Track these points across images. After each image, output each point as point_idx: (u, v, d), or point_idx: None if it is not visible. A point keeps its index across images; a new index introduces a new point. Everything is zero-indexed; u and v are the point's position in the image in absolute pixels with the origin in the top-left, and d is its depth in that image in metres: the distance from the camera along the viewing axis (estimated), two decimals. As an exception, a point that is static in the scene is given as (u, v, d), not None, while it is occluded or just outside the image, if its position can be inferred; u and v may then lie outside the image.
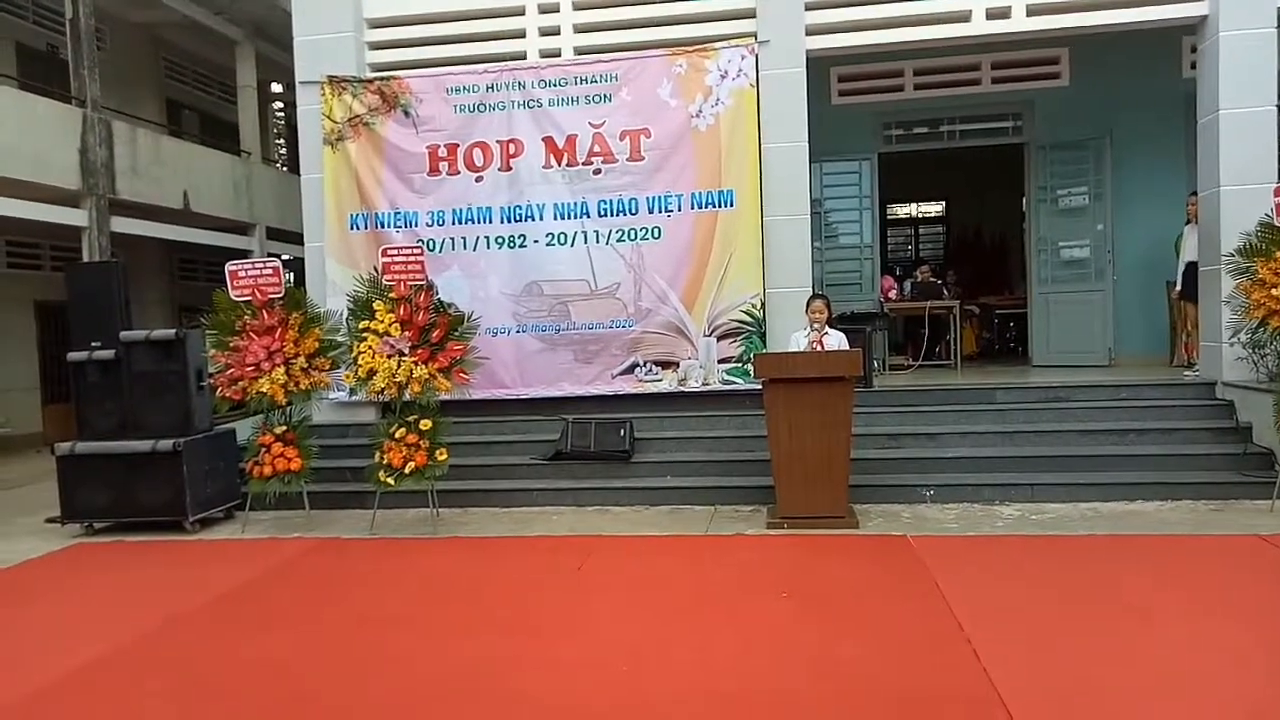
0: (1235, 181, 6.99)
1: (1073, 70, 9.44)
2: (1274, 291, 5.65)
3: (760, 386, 6.16)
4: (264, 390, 6.34)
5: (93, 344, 6.76)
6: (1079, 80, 9.45)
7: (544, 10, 8.03)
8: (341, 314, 6.81)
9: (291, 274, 11.72)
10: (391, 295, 6.30)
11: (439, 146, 7.91)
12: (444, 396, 6.42)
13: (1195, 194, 7.73)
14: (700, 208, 7.62)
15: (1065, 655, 3.62)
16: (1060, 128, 9.67)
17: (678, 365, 7.73)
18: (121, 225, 10.52)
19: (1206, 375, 7.35)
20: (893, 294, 10.56)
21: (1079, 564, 4.91)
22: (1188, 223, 8.22)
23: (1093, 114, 9.46)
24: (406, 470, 6.21)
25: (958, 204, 15.82)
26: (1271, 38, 7.00)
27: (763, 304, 7.56)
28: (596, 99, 7.73)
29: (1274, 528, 5.42)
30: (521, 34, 8.07)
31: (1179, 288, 8.28)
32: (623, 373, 7.81)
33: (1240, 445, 6.58)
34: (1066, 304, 9.60)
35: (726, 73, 7.52)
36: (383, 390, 6.24)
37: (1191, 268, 7.86)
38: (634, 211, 7.72)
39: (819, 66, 8.35)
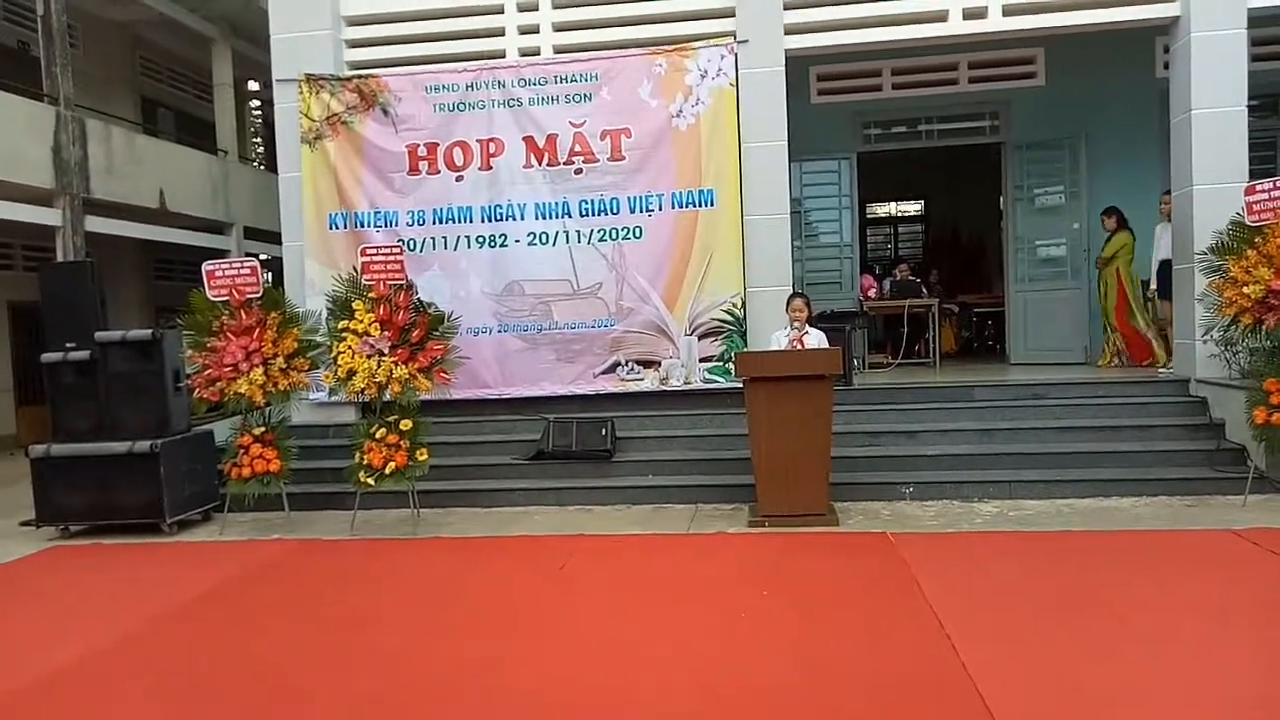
0: (1207, 180, 7.08)
1: (1048, 70, 9.53)
2: (1245, 289, 5.72)
3: (741, 385, 6.18)
4: (242, 391, 6.28)
5: (67, 345, 6.68)
6: (1054, 80, 9.55)
7: (523, 9, 8.01)
8: (321, 314, 6.77)
9: (270, 274, 11.58)
10: (371, 295, 6.28)
11: (419, 145, 7.87)
12: (424, 396, 6.40)
13: (1169, 193, 7.83)
14: (681, 207, 7.63)
15: (1042, 650, 3.67)
16: (1036, 127, 9.76)
17: (659, 364, 7.74)
18: (96, 225, 10.40)
19: (1180, 372, 7.45)
20: (872, 293, 10.62)
21: (1056, 560, 4.97)
22: (1164, 223, 8.35)
23: (1068, 113, 9.55)
24: (387, 471, 6.18)
25: (936, 203, 15.93)
26: (1242, 38, 7.10)
27: (743, 303, 7.58)
28: (577, 98, 7.72)
29: (1247, 522, 5.51)
30: (501, 32, 8.05)
31: (1154, 286, 8.39)
32: (604, 372, 7.81)
33: (1213, 441, 6.68)
34: (1043, 302, 9.69)
35: (706, 72, 7.54)
36: (362, 390, 6.21)
37: (1165, 266, 7.95)
38: (615, 211, 7.72)
39: (798, 66, 8.38)
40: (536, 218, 7.81)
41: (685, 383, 7.70)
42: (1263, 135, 9.14)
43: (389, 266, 6.34)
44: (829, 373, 5.93)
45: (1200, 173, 7.12)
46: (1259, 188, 5.92)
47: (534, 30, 8.00)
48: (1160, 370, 7.92)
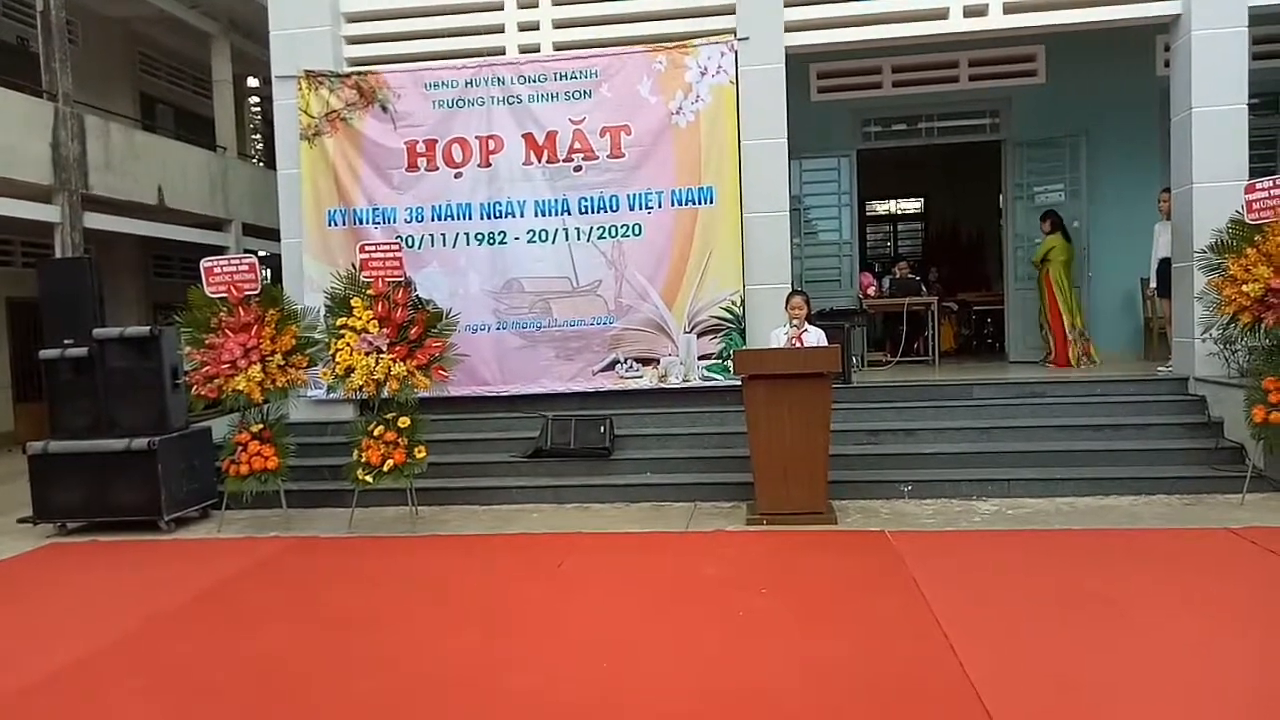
0: (1207, 178, 7.07)
1: (1049, 68, 9.53)
2: (1244, 288, 5.73)
3: (740, 383, 6.17)
4: (240, 388, 6.27)
5: (65, 341, 6.66)
6: (1055, 78, 9.54)
7: (523, 5, 7.99)
8: (319, 311, 6.76)
9: (268, 270, 11.56)
10: (369, 292, 6.27)
11: (417, 142, 7.86)
12: (423, 394, 6.38)
13: (1168, 190, 7.83)
14: (680, 204, 7.62)
15: (1041, 649, 3.66)
16: (1036, 125, 9.75)
17: (658, 362, 7.73)
18: (95, 221, 10.37)
19: (1179, 371, 7.45)
20: (871, 290, 10.61)
21: (1055, 559, 4.97)
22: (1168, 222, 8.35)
23: (1069, 111, 9.54)
24: (385, 468, 6.17)
25: (936, 201, 15.92)
26: (1243, 36, 7.09)
27: (742, 301, 7.57)
28: (576, 95, 7.71)
29: (1243, 521, 5.51)
30: (500, 29, 8.03)
31: (1153, 285, 8.39)
32: (603, 369, 7.80)
33: (1212, 440, 6.67)
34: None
35: (706, 69, 7.53)
36: (361, 388, 6.20)
37: (1165, 264, 7.95)
38: (615, 208, 7.71)
39: (798, 63, 8.37)
40: (535, 215, 7.80)
41: (684, 380, 7.70)
42: (1263, 133, 9.13)
43: (387, 263, 6.33)
44: (828, 371, 5.92)
45: (1200, 171, 7.11)
46: (1259, 186, 5.92)
47: (534, 27, 7.98)
48: (1159, 369, 7.91)
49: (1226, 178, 6.90)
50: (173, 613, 4.68)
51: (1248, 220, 5.92)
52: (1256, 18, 7.16)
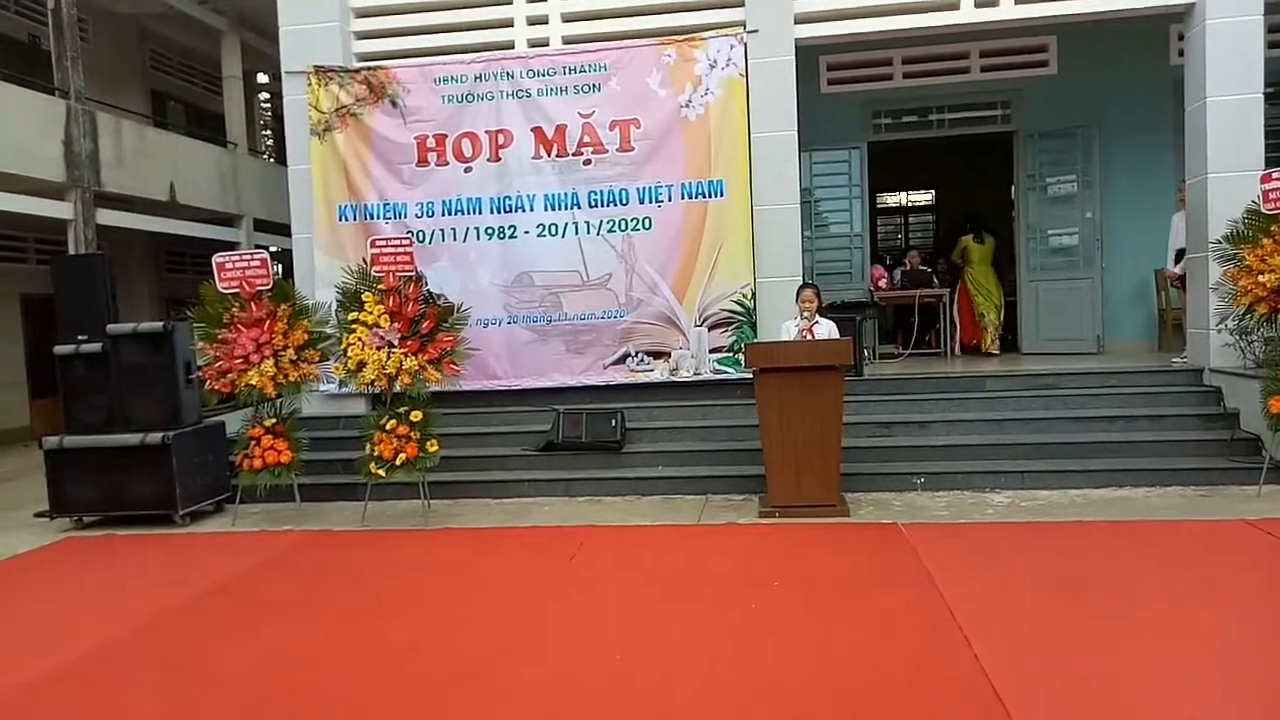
0: (1222, 168, 7.01)
1: (1061, 58, 9.46)
2: (1260, 278, 5.69)
3: (751, 376, 6.16)
4: (253, 383, 6.30)
5: (79, 337, 6.70)
6: (1067, 68, 9.47)
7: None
8: (330, 306, 6.78)
9: (279, 266, 11.63)
10: (380, 287, 6.28)
11: (427, 137, 7.87)
12: (434, 388, 6.40)
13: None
14: (690, 198, 7.61)
15: (1056, 641, 3.65)
16: (1048, 116, 9.68)
17: (669, 355, 7.73)
18: (107, 218, 10.43)
19: (1194, 362, 7.40)
20: (883, 283, 10.57)
21: (1069, 550, 4.94)
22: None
23: (1081, 102, 9.48)
24: (397, 462, 6.19)
25: (947, 192, 15.81)
26: (1258, 25, 7.02)
27: (753, 294, 7.56)
28: (586, 89, 7.70)
29: (1260, 512, 5.47)
30: (509, 23, 8.03)
31: (1175, 269, 8.30)
32: (614, 363, 7.80)
33: (1228, 431, 6.62)
34: (1056, 292, 9.63)
35: (715, 62, 7.50)
36: (372, 382, 6.23)
37: (1182, 254, 7.89)
38: (624, 202, 7.70)
39: (808, 55, 8.33)
40: (545, 209, 7.80)
41: (695, 374, 7.69)
42: (1279, 123, 9.04)
43: (398, 258, 6.34)
44: (839, 363, 5.91)
45: (1215, 161, 7.05)
46: (1275, 176, 5.86)
47: (543, 21, 7.98)
48: (1174, 360, 7.86)
49: (1242, 168, 6.82)
50: (187, 606, 4.71)
51: (1264, 210, 5.87)
52: (1272, 6, 7.09)
